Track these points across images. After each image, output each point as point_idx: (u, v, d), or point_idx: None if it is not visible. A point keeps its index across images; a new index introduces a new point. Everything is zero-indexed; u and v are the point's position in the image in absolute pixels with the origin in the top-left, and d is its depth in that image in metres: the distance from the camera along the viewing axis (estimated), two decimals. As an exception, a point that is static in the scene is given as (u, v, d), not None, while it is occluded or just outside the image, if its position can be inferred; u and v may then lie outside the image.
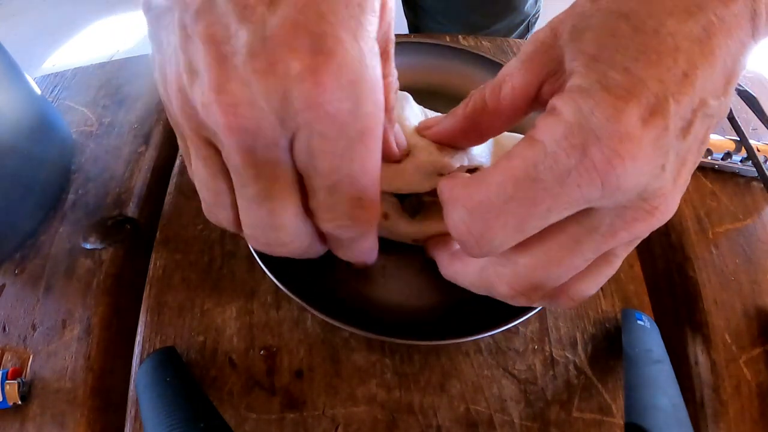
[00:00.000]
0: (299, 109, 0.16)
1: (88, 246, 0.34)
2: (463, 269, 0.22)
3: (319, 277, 0.29)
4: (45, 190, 0.36)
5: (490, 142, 0.27)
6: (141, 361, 0.29)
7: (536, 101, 0.19)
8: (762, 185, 0.36)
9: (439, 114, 0.26)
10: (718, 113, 0.16)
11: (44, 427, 0.28)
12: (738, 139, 0.36)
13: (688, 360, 0.30)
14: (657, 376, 0.25)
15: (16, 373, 0.29)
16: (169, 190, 0.37)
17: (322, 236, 0.20)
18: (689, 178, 0.17)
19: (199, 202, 0.20)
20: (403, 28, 0.71)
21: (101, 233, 0.34)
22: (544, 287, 0.18)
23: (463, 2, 0.61)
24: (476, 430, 0.27)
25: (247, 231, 0.19)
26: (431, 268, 0.25)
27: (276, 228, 0.18)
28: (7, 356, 0.30)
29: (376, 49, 0.17)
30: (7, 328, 0.31)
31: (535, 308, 0.27)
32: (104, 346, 0.30)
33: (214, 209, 0.20)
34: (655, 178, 0.15)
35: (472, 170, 0.25)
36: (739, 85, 0.38)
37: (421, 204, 0.27)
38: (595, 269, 0.18)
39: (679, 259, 0.34)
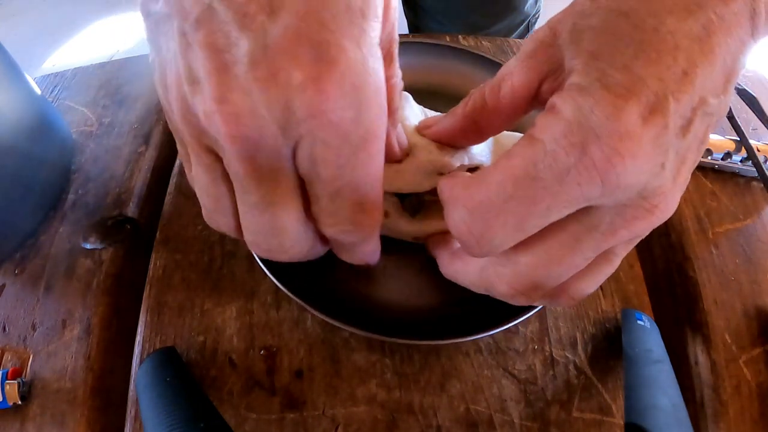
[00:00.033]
0: (302, 118, 0.15)
1: (88, 246, 0.34)
2: (463, 268, 0.22)
3: (319, 277, 0.29)
4: (45, 190, 0.36)
5: (490, 141, 0.27)
6: (141, 361, 0.29)
7: (536, 100, 0.19)
8: (762, 185, 0.36)
9: (439, 113, 0.26)
10: (718, 112, 0.16)
11: (44, 427, 0.28)
12: (738, 139, 0.36)
13: (688, 360, 0.30)
14: (657, 376, 0.25)
15: (16, 373, 0.29)
16: (169, 190, 0.37)
17: (323, 239, 0.20)
18: (689, 177, 0.17)
19: (199, 202, 0.20)
20: (403, 28, 0.71)
21: (101, 233, 0.34)
22: (545, 286, 0.18)
23: (463, 2, 0.61)
24: (476, 430, 0.27)
25: (249, 237, 0.19)
26: (431, 267, 0.25)
27: (278, 234, 0.18)
28: (7, 356, 0.30)
29: (379, 54, 0.17)
30: (7, 328, 0.31)
31: (535, 308, 0.27)
32: (104, 346, 0.30)
33: (215, 215, 0.19)
34: (654, 177, 0.15)
35: (472, 169, 0.25)
36: (739, 85, 0.38)
37: (421, 203, 0.27)
38: (595, 268, 0.18)
39: (679, 259, 0.34)
